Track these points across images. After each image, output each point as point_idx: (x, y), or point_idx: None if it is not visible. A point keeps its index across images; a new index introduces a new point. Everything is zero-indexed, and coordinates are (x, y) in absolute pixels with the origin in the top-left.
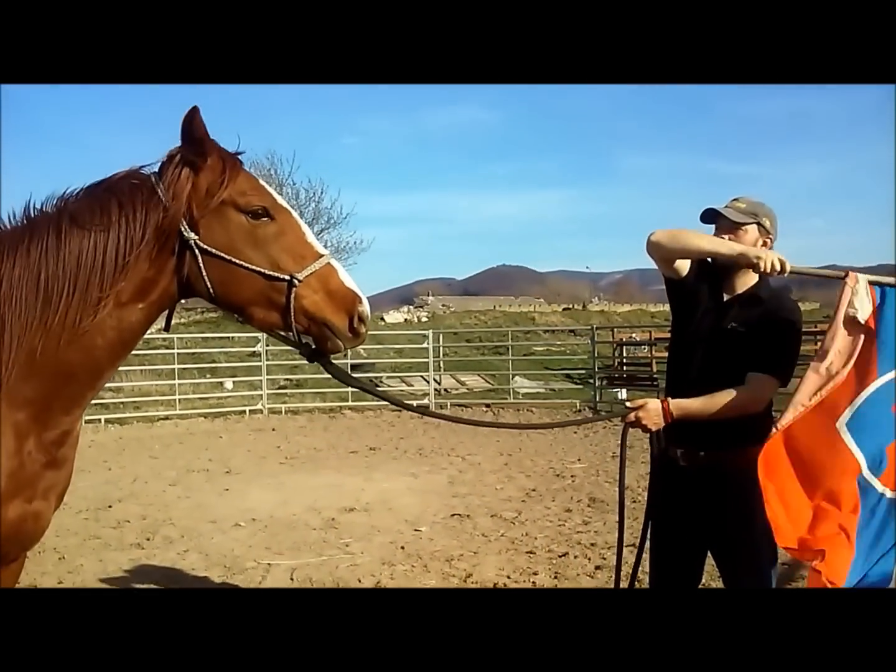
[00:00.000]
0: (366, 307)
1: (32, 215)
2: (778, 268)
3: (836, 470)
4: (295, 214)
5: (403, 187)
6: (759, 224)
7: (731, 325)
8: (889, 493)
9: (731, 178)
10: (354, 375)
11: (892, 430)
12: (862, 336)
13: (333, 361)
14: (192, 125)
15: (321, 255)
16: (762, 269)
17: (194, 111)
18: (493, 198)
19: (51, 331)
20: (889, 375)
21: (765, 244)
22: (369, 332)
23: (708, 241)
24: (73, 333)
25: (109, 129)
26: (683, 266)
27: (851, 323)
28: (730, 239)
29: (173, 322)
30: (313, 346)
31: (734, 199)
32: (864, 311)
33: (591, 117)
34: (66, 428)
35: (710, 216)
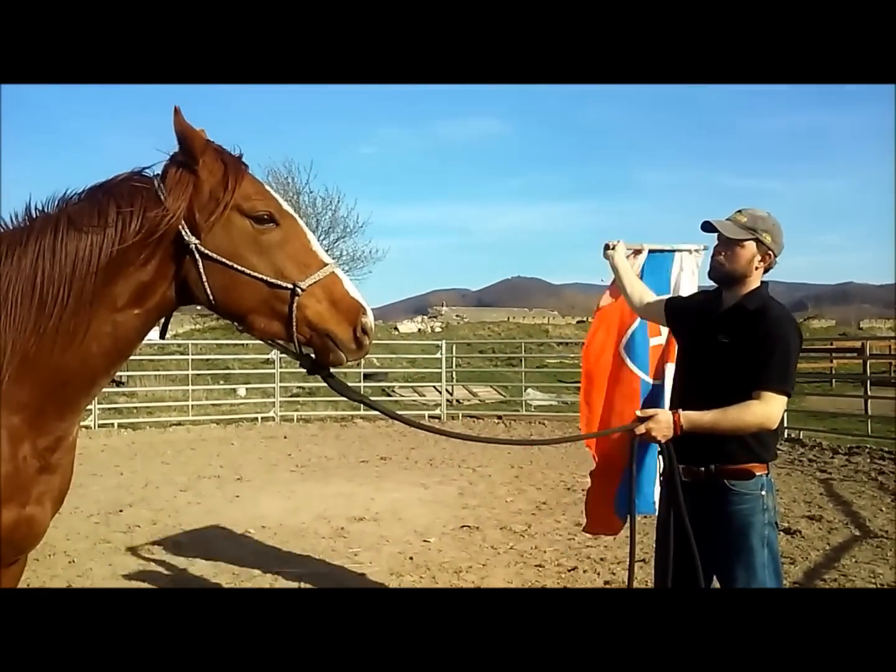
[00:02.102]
0: (370, 318)
1: (33, 216)
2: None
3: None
4: (300, 221)
5: (419, 197)
6: (757, 240)
7: (719, 338)
8: (652, 381)
9: (748, 193)
10: (363, 385)
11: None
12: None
13: (334, 374)
14: (175, 126)
15: (326, 264)
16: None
17: (175, 112)
18: (508, 209)
19: (45, 335)
20: None
21: (763, 260)
22: (383, 342)
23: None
24: (67, 338)
25: (122, 131)
26: (657, 314)
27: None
28: (725, 255)
29: (188, 328)
30: (314, 358)
31: (737, 212)
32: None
33: (607, 131)
34: (60, 434)
35: (710, 227)
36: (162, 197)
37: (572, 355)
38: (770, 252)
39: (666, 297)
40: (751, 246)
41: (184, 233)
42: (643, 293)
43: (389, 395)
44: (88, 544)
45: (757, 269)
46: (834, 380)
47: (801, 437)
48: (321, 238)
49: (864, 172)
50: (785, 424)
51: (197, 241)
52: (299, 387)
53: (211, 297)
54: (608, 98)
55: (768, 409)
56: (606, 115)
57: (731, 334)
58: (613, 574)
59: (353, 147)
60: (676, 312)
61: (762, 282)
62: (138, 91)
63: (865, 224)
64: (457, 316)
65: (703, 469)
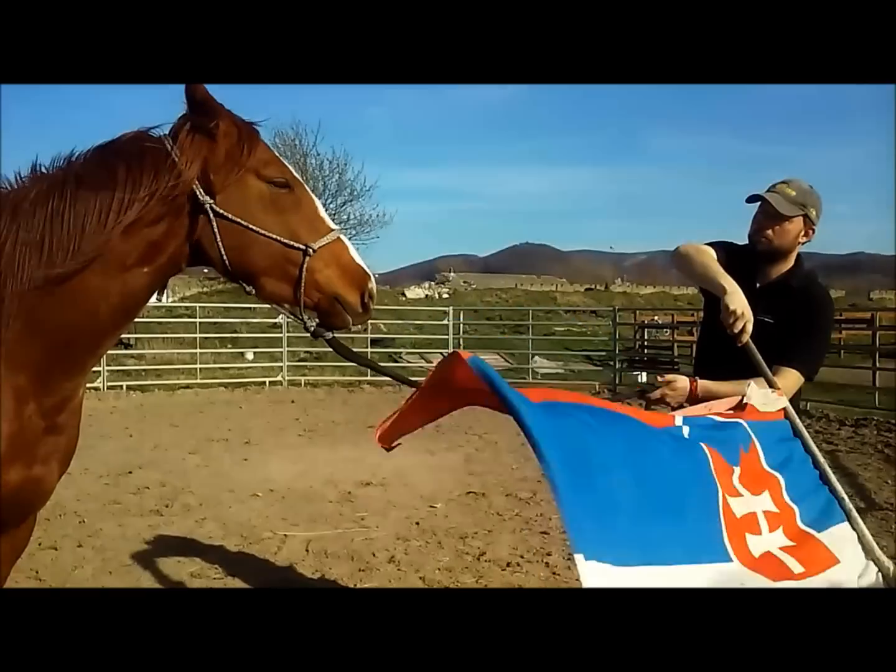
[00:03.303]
0: (374, 284)
1: (38, 175)
2: (736, 332)
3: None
4: (307, 188)
5: (427, 161)
6: (805, 215)
7: (760, 316)
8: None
9: (758, 159)
10: (370, 350)
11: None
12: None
13: (335, 336)
14: (193, 90)
15: (332, 230)
16: (726, 322)
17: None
18: (517, 174)
19: (52, 292)
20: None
21: (806, 234)
22: (390, 307)
23: (704, 271)
24: (75, 296)
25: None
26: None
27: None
28: (774, 230)
29: (195, 291)
30: (317, 322)
31: (783, 183)
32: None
33: (619, 94)
34: (66, 394)
35: (756, 199)
36: (175, 156)
37: (580, 323)
38: (814, 227)
39: (709, 247)
40: (799, 221)
41: (198, 192)
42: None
43: (396, 361)
44: (98, 505)
45: (800, 243)
46: (843, 351)
47: (808, 408)
48: (328, 201)
49: (876, 140)
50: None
51: (212, 201)
52: (307, 351)
53: (224, 257)
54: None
55: (786, 385)
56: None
57: (774, 313)
58: None
59: (361, 107)
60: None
61: (798, 255)
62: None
63: (877, 193)
64: (464, 282)
65: None
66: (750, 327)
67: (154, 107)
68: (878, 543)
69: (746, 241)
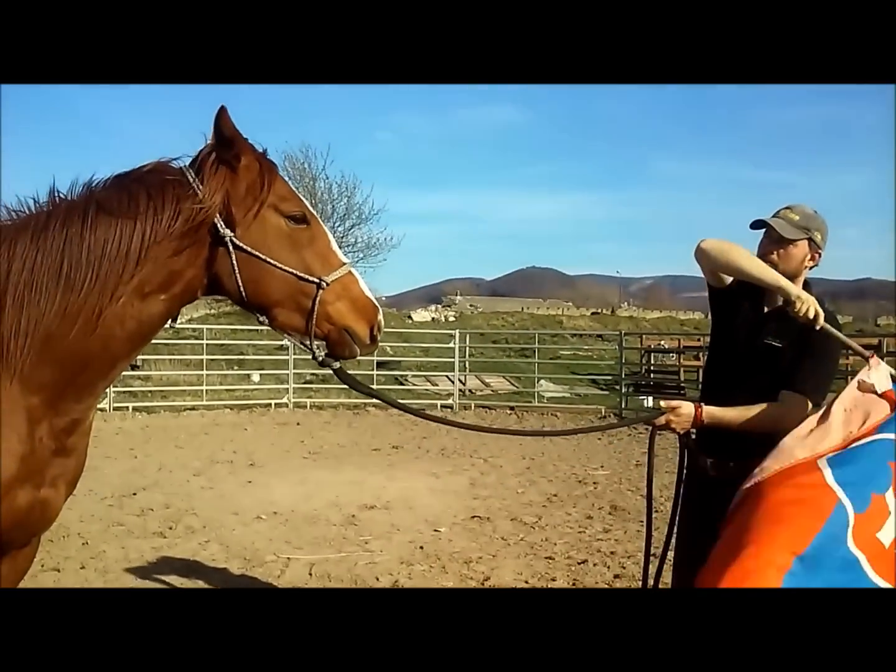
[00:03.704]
0: (382, 317)
1: (57, 201)
2: (811, 316)
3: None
4: (320, 220)
5: (435, 185)
6: (810, 239)
7: (767, 340)
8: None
9: (765, 186)
10: (377, 373)
11: (884, 480)
12: (878, 402)
13: (343, 367)
14: (222, 124)
15: (344, 263)
16: (797, 312)
17: (222, 111)
18: (523, 199)
19: (69, 318)
20: (889, 435)
21: (812, 258)
22: (396, 330)
23: (755, 266)
24: (92, 321)
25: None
26: (727, 276)
27: (866, 389)
28: (779, 254)
29: (203, 313)
30: (325, 352)
31: (786, 208)
32: (880, 385)
33: (624, 121)
34: (77, 416)
35: (760, 225)
36: (196, 188)
37: (586, 347)
38: (820, 251)
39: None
40: (804, 245)
41: (219, 225)
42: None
43: (402, 384)
44: (102, 526)
45: (806, 267)
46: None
47: None
48: (337, 225)
49: (882, 166)
50: None
51: (232, 234)
52: (312, 374)
53: (242, 289)
54: (624, 89)
55: (792, 411)
56: (623, 105)
57: (781, 337)
58: (623, 568)
59: (370, 132)
60: (731, 297)
61: (806, 281)
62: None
63: (883, 219)
64: (471, 305)
65: (733, 464)
66: (821, 310)
67: (165, 132)
68: None
69: None
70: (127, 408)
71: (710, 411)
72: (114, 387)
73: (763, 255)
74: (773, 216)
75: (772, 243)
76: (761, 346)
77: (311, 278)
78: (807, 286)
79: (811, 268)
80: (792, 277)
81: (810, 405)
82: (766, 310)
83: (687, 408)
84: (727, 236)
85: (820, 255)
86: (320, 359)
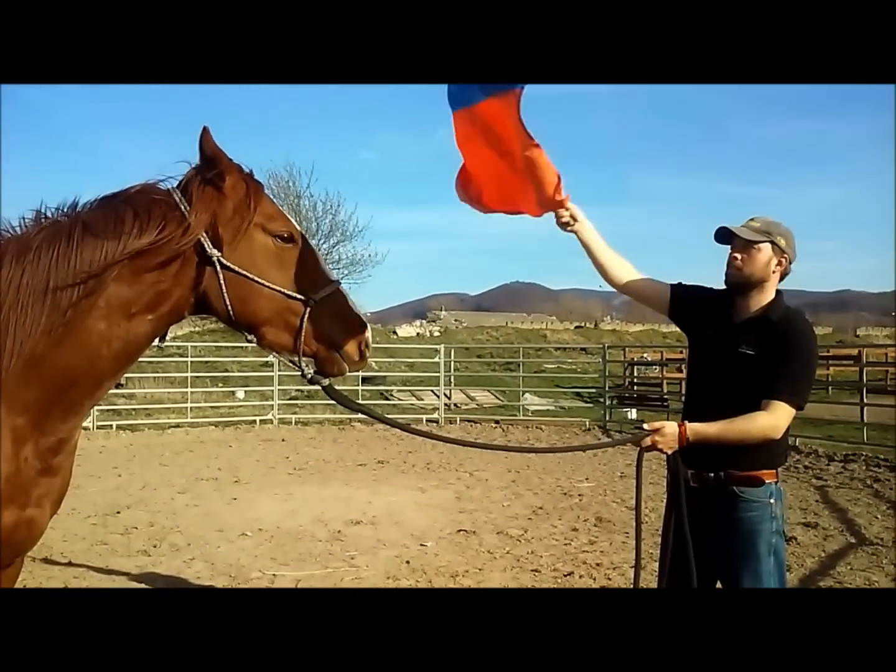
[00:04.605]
0: (370, 334)
1: (44, 221)
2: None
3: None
4: (308, 239)
5: (418, 202)
6: (772, 243)
7: (742, 349)
8: None
9: (743, 200)
10: (362, 388)
11: None
12: None
13: (332, 384)
14: (204, 144)
15: (332, 281)
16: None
17: (204, 132)
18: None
19: (55, 337)
20: None
21: (779, 263)
22: (382, 346)
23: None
24: (77, 341)
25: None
26: (657, 300)
27: None
28: (742, 258)
29: (187, 330)
30: (314, 370)
31: (749, 220)
32: None
33: (606, 137)
34: (63, 436)
35: (723, 236)
36: (184, 209)
37: (570, 360)
38: (785, 256)
39: (669, 283)
40: (766, 248)
41: (206, 245)
42: (624, 269)
43: (388, 399)
44: (86, 546)
45: (774, 272)
46: (830, 387)
47: (797, 443)
48: (321, 242)
49: (861, 180)
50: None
51: (219, 254)
52: (297, 390)
53: (229, 308)
54: (607, 104)
55: (776, 419)
56: (605, 120)
57: (755, 346)
58: (609, 580)
59: (354, 151)
60: (686, 308)
61: (778, 290)
62: (138, 90)
63: (863, 232)
64: (455, 320)
65: (712, 475)
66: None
67: (152, 152)
68: (868, 579)
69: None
70: (111, 426)
71: (694, 428)
72: (97, 405)
73: (728, 262)
74: (737, 227)
75: (736, 249)
76: (736, 356)
77: (298, 296)
78: (779, 295)
79: (782, 275)
80: (759, 282)
81: (794, 411)
82: (736, 320)
83: (671, 427)
84: (708, 249)
85: (787, 261)
86: (309, 376)
